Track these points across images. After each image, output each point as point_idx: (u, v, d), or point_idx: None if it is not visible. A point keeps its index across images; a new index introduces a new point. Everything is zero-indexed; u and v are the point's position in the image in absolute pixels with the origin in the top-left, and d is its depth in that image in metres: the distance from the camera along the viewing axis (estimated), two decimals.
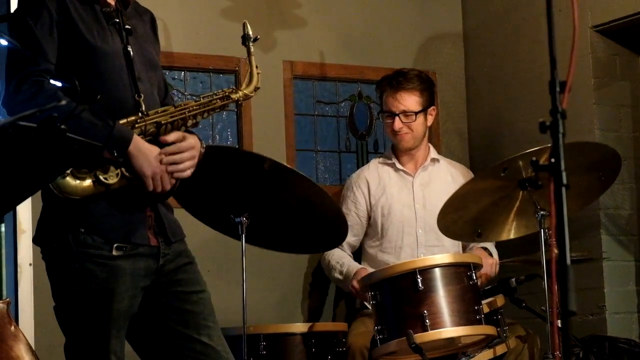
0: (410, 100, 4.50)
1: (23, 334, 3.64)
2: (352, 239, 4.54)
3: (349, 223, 4.23)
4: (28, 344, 3.62)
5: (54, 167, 2.30)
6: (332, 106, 5.13)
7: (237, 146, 4.78)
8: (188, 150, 2.98)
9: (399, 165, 4.62)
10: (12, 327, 3.61)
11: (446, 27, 5.37)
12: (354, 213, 4.58)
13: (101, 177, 2.85)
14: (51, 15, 2.92)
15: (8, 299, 3.69)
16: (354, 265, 4.48)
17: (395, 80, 4.52)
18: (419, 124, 4.52)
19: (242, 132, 4.82)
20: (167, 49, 4.54)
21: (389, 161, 4.65)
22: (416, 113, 4.49)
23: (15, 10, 3.02)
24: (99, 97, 2.75)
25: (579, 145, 3.89)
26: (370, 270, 4.32)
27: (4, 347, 3.54)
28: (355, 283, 4.30)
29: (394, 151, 4.67)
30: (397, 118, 4.49)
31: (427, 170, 4.64)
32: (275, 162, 3.64)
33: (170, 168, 2.94)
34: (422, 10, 5.32)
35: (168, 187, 2.94)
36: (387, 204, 4.57)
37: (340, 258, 4.52)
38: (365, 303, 4.47)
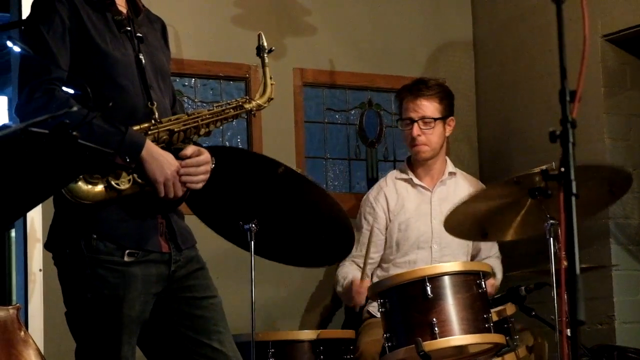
0: (429, 107, 4.48)
1: (33, 340, 3.65)
2: (375, 255, 4.52)
3: (373, 239, 4.23)
4: (37, 350, 3.64)
5: (65, 174, 2.31)
6: (342, 114, 5.13)
7: None
8: (204, 164, 3.00)
9: (416, 181, 4.59)
10: (22, 333, 3.62)
11: (456, 35, 5.38)
12: (377, 229, 4.53)
13: (113, 183, 2.86)
14: (63, 23, 2.93)
15: (18, 305, 3.71)
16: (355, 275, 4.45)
17: (416, 87, 4.51)
18: (437, 133, 4.50)
19: (252, 139, 4.83)
20: (177, 55, 4.55)
21: (406, 176, 4.61)
22: (435, 119, 4.47)
23: (27, 18, 3.03)
24: (110, 104, 2.76)
25: (589, 169, 3.82)
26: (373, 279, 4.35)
27: (14, 352, 3.55)
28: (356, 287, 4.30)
29: (409, 163, 4.64)
30: (415, 124, 4.48)
31: (445, 184, 4.61)
32: (289, 168, 3.63)
33: (184, 179, 2.95)
34: (432, 18, 5.33)
35: (180, 193, 2.95)
36: (405, 219, 4.54)
37: (347, 273, 4.50)
38: (371, 311, 4.47)
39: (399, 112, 4.65)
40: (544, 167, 3.58)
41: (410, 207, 4.56)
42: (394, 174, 4.69)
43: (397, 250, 4.54)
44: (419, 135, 4.48)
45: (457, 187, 4.61)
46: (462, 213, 3.86)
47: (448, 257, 4.46)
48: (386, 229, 4.58)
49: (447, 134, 4.58)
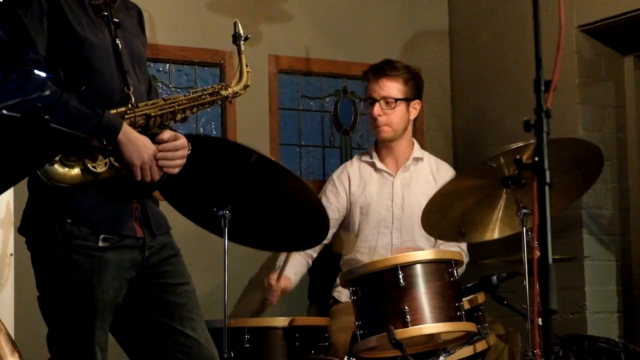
0: (392, 87, 4.45)
1: (3, 325, 3.63)
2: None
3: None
4: (8, 335, 3.61)
5: (38, 157, 2.30)
6: (316, 101, 5.13)
7: None
8: (180, 149, 3.00)
9: (379, 165, 4.57)
10: None
11: (432, 24, 5.38)
12: (335, 206, 4.54)
13: (89, 166, 2.85)
14: (41, 6, 2.92)
15: None
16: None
17: (380, 67, 4.48)
18: (398, 114, 4.46)
19: (227, 125, 4.82)
20: (152, 41, 4.53)
21: (370, 159, 4.60)
22: (396, 100, 4.43)
23: (5, 1, 3.01)
24: (83, 88, 2.75)
25: (561, 142, 3.89)
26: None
27: None
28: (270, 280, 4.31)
29: (375, 146, 4.63)
30: (377, 104, 4.44)
31: (408, 170, 4.58)
32: (262, 155, 3.64)
33: (161, 163, 2.95)
34: (408, 6, 5.33)
35: (156, 177, 2.94)
36: (366, 203, 4.53)
37: (279, 261, 4.45)
38: (336, 296, 4.47)
39: (365, 92, 4.62)
40: (512, 145, 3.60)
41: (372, 191, 4.55)
42: (359, 155, 4.68)
43: (357, 235, 4.53)
44: (379, 115, 4.45)
45: (421, 173, 4.59)
46: (438, 212, 3.86)
47: (409, 244, 4.45)
48: (346, 210, 4.57)
49: (412, 117, 4.53)
